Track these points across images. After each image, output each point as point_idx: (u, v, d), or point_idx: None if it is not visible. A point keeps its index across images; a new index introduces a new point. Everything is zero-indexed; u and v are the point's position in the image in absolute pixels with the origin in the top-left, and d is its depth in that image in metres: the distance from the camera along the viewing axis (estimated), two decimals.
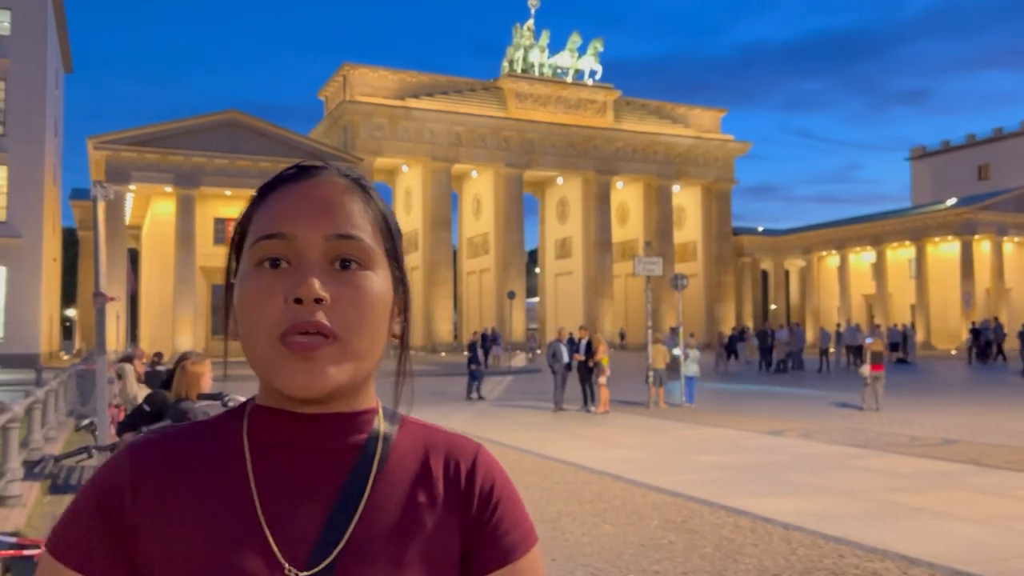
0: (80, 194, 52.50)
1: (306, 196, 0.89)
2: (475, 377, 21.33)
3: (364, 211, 0.90)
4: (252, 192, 0.95)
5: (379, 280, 0.88)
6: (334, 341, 0.84)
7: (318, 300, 0.84)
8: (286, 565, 0.83)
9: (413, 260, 57.78)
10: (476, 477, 0.92)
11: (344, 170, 0.94)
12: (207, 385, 4.88)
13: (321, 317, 0.84)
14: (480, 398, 21.13)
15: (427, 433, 0.96)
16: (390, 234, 0.93)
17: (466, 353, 21.93)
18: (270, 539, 0.84)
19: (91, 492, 0.87)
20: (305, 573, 0.83)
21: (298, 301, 0.83)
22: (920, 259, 53.90)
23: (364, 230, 0.89)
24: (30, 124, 39.96)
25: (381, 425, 0.93)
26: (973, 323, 40.83)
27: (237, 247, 0.92)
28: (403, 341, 0.95)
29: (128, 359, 12.10)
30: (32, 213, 39.82)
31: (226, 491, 0.86)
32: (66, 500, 9.09)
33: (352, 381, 0.87)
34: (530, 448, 12.27)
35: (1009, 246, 54.21)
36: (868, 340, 18.60)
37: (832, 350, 35.42)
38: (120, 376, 11.57)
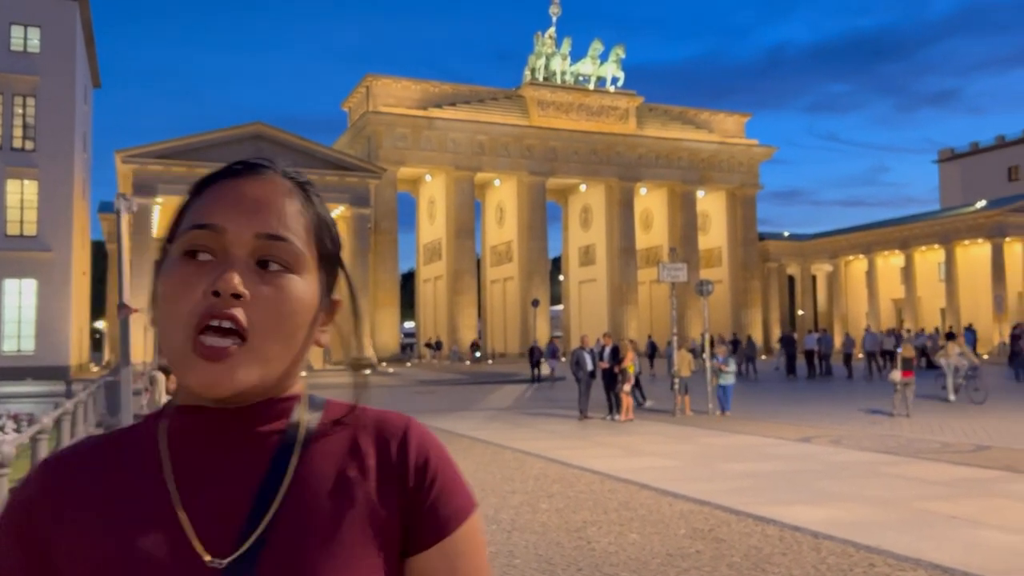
0: (109, 207, 53.22)
1: (243, 192, 0.88)
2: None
3: (300, 214, 0.89)
4: None
5: (303, 285, 0.87)
6: (244, 343, 0.83)
7: (236, 295, 0.83)
8: (206, 556, 0.81)
9: (437, 269, 57.96)
10: (409, 450, 0.90)
11: (290, 172, 0.93)
12: None
13: (236, 312, 0.82)
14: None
15: (354, 413, 0.93)
16: (326, 241, 0.92)
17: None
18: (188, 532, 0.82)
19: (6, 511, 0.87)
20: (226, 560, 0.81)
21: (216, 294, 0.82)
22: (950, 262, 53.16)
23: (296, 233, 0.88)
24: (59, 139, 40.65)
25: (303, 409, 0.92)
26: (1016, 326, 40.01)
27: (171, 237, 0.91)
28: (356, 346, 0.95)
29: (164, 369, 12.20)
30: (62, 227, 40.45)
31: (142, 491, 0.85)
32: None
33: (261, 383, 0.85)
34: (555, 456, 12.20)
35: None
36: (898, 350, 18.37)
37: (860, 356, 34.96)
38: (152, 383, 11.69)
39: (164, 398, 11.16)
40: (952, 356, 20.58)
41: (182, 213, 0.91)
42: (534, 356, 33.61)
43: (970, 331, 40.66)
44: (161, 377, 11.85)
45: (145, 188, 39.75)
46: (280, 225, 0.86)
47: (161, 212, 46.11)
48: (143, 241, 40.75)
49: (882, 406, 18.46)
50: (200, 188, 0.91)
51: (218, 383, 0.82)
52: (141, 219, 39.91)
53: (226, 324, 0.82)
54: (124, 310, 5.92)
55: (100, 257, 61.53)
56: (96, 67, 52.16)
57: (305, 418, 0.91)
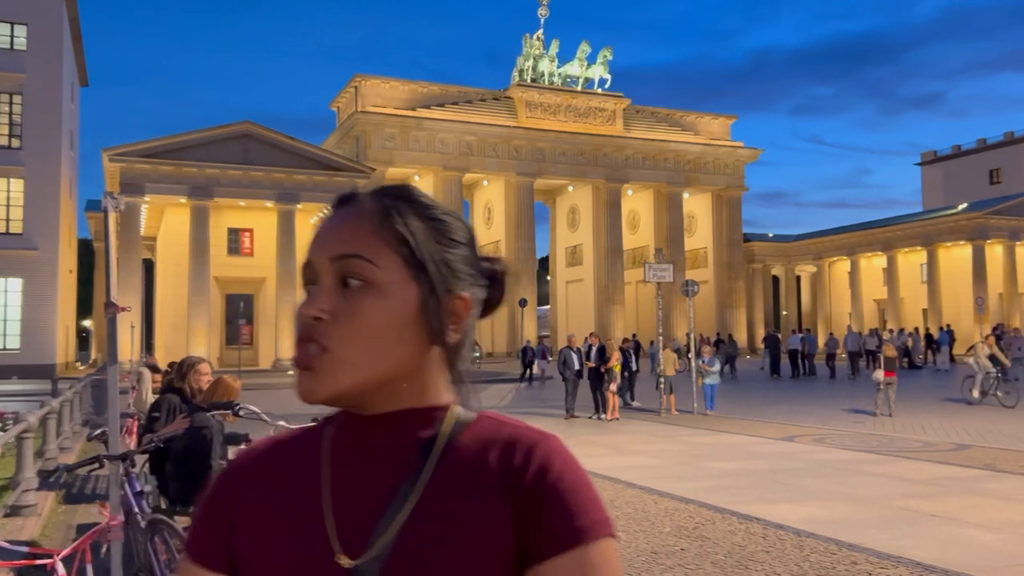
0: (96, 206, 52.94)
1: (326, 224, 0.97)
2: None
3: (376, 230, 0.93)
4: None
5: (384, 296, 0.91)
6: (326, 352, 0.90)
7: (316, 318, 0.91)
8: (340, 555, 0.88)
9: None
10: (531, 461, 0.90)
11: (385, 190, 0.97)
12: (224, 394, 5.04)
13: (316, 331, 0.91)
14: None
15: (496, 427, 0.95)
16: (409, 250, 0.93)
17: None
18: (330, 531, 0.90)
19: (204, 498, 1.01)
20: (354, 561, 0.88)
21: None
22: (932, 264, 53.61)
23: (371, 248, 0.92)
24: (46, 137, 40.39)
25: (450, 421, 0.95)
26: (996, 327, 40.45)
27: None
28: (452, 345, 0.96)
29: (152, 367, 12.18)
30: (48, 226, 40.21)
31: (301, 488, 0.95)
32: (80, 510, 9.14)
33: (355, 387, 0.91)
34: None
35: (1022, 250, 53.82)
36: (879, 351, 18.50)
37: (843, 355, 35.21)
38: (139, 381, 11.67)
39: (151, 396, 11.13)
40: (982, 357, 20.23)
41: None
42: (527, 356, 33.36)
43: (945, 331, 40.92)
44: (148, 375, 11.84)
45: (133, 187, 39.49)
46: (348, 245, 0.92)
47: (148, 211, 45.91)
48: (130, 240, 40.56)
49: (865, 405, 18.64)
50: None
51: (309, 389, 0.91)
52: (129, 218, 39.70)
53: (309, 344, 0.91)
54: (111, 308, 5.91)
55: (88, 255, 61.13)
56: (83, 65, 51.84)
57: (447, 429, 0.94)
